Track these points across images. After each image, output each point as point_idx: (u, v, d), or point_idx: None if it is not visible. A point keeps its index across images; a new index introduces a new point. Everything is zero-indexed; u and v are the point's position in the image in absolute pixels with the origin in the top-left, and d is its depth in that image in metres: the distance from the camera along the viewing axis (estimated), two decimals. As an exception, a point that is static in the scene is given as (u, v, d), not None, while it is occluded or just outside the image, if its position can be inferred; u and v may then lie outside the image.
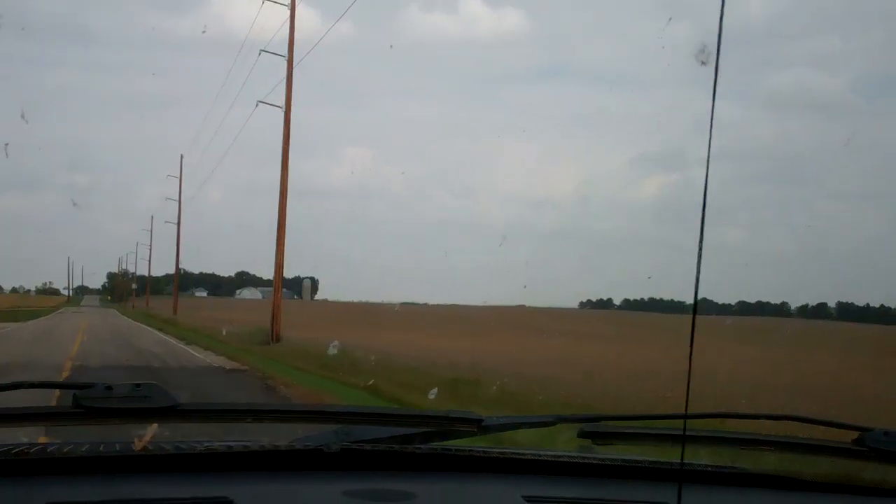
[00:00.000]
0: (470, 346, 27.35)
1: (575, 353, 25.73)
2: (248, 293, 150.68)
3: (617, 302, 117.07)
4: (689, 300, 1.27)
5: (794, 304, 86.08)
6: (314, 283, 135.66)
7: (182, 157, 64.69)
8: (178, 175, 63.25)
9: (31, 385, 1.81)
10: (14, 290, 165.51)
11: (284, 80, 28.96)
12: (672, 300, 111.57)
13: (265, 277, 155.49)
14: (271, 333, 28.71)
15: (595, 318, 69.40)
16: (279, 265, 29.68)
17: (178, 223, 64.17)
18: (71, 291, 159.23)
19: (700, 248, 1.22)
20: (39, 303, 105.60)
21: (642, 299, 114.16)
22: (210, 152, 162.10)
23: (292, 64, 28.57)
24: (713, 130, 1.24)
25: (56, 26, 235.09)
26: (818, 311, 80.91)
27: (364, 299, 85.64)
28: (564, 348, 28.09)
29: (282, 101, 28.98)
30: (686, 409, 1.58)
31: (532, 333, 38.59)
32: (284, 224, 28.88)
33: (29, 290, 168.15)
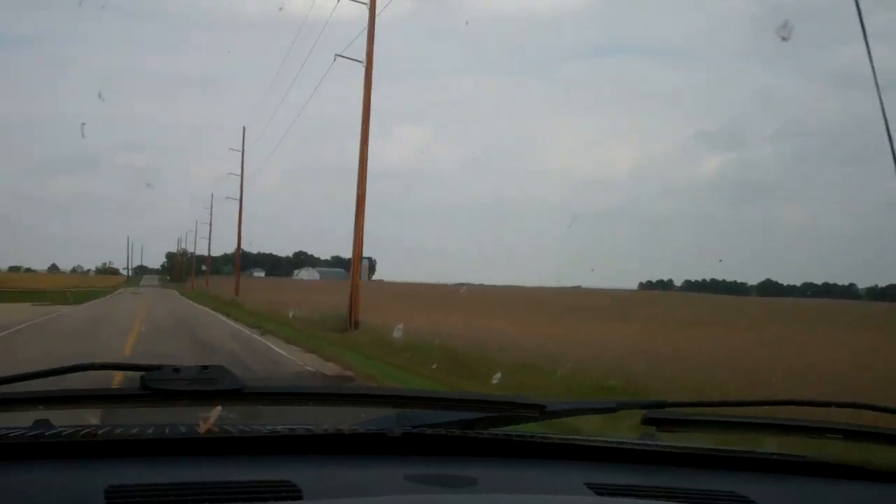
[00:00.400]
0: (565, 333, 24.81)
1: (695, 342, 22.89)
2: (305, 273, 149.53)
3: (678, 283, 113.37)
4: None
5: (862, 285, 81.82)
6: (372, 264, 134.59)
7: (245, 129, 62.23)
8: (240, 149, 60.97)
9: (100, 366, 1.83)
10: (73, 271, 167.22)
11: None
12: (735, 281, 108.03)
13: (322, 258, 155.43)
14: (349, 319, 26.20)
15: (665, 301, 66.17)
16: (357, 255, 27.29)
17: (241, 197, 61.75)
18: (130, 271, 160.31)
19: None
20: (98, 283, 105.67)
21: (704, 280, 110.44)
22: (271, 130, 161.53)
23: (374, 8, 25.31)
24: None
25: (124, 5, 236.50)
26: (887, 293, 76.69)
27: (419, 280, 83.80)
28: (674, 336, 25.27)
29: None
30: None
31: (618, 318, 35.74)
32: (364, 199, 26.12)
33: (88, 270, 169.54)
